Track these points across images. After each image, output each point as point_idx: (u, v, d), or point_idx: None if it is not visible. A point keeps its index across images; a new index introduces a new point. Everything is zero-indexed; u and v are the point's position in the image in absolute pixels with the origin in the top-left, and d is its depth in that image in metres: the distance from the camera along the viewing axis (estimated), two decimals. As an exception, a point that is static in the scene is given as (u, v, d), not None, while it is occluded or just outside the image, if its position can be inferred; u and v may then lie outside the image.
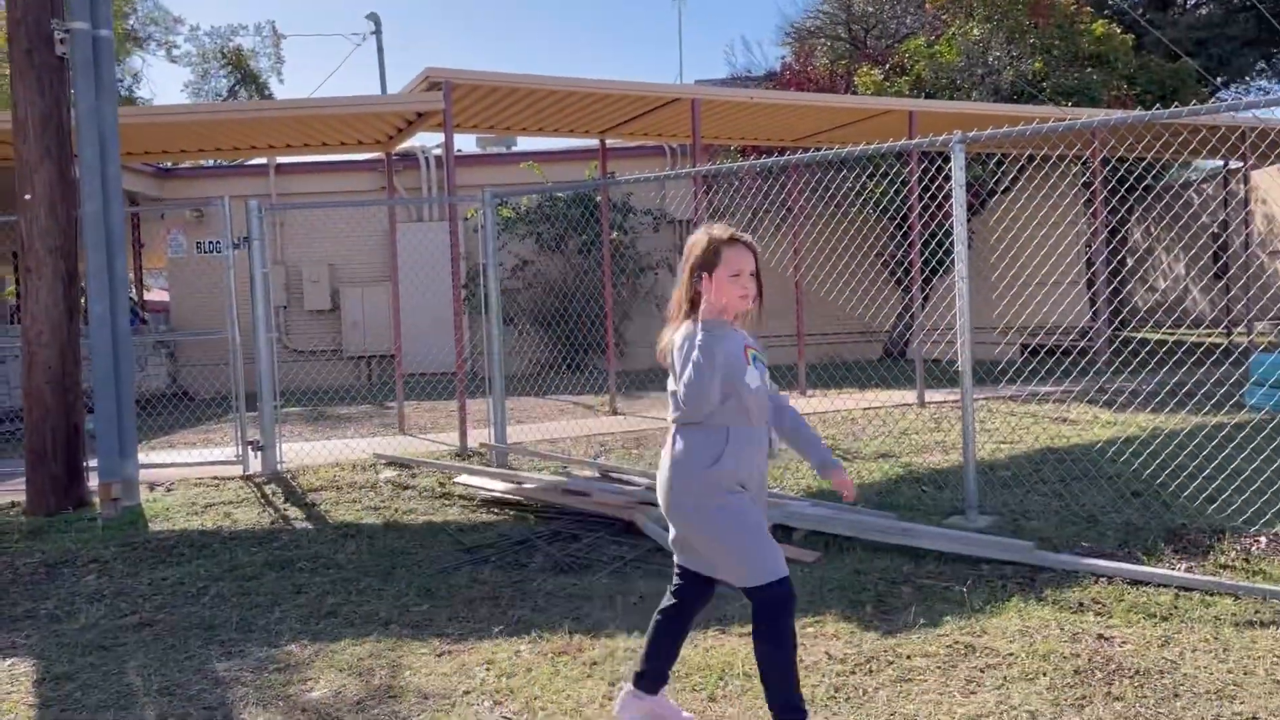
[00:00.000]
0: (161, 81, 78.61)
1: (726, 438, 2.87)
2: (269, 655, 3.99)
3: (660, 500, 2.98)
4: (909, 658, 3.65)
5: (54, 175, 6.79)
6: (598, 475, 6.88)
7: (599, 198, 13.28)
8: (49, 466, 6.88)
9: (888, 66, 17.64)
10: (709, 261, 2.91)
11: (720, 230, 2.98)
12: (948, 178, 5.92)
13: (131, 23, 29.78)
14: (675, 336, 2.92)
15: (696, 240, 2.98)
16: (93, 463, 7.11)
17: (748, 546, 2.85)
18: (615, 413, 11.08)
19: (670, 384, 2.93)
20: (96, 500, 6.86)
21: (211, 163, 19.99)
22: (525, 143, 19.07)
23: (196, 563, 5.41)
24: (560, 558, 5.18)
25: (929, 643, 3.78)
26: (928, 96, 15.82)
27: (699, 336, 2.82)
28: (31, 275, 6.91)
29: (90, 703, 3.61)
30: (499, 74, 9.59)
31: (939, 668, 3.56)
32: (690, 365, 2.78)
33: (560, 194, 16.18)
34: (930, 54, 16.56)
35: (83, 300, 7.51)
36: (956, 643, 3.77)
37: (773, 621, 2.85)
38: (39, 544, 6.06)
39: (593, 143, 13.71)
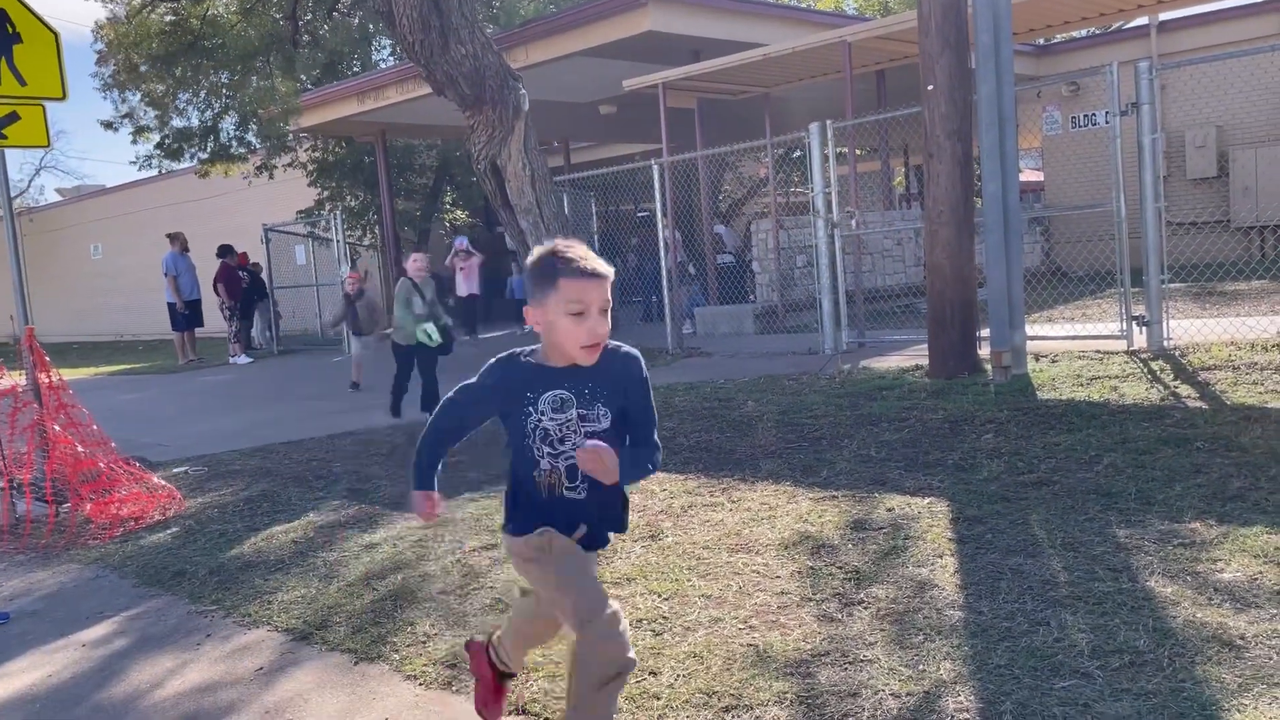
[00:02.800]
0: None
1: None
2: (1171, 529, 3.90)
3: None
4: None
5: (953, 63, 7.30)
6: None
7: None
8: (948, 334, 7.60)
9: None
10: None
11: None
12: None
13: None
14: None
15: None
16: (983, 332, 7.66)
17: None
18: None
19: None
20: (988, 367, 7.39)
21: (1085, 33, 19.46)
22: None
23: (1086, 432, 5.50)
24: None
25: None
26: None
27: None
28: (933, 160, 7.59)
29: (1000, 545, 3.96)
30: None
31: None
32: None
33: None
34: None
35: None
36: None
37: None
38: (941, 403, 6.76)
39: None
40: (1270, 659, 2.81)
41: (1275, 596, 3.21)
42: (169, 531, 5.71)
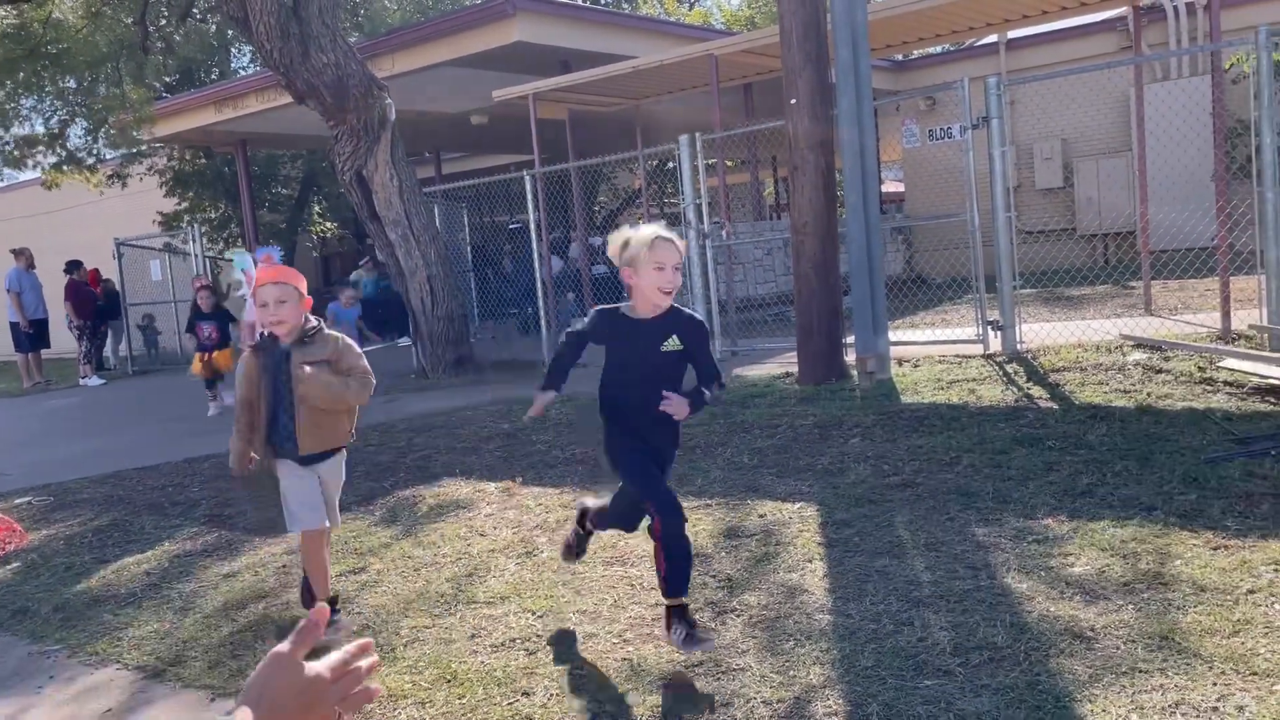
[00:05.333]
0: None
1: None
2: (1025, 526, 4.06)
3: None
4: None
5: (814, 78, 7.48)
6: None
7: None
8: (815, 341, 7.77)
9: None
10: None
11: None
12: None
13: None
14: None
15: None
16: (849, 339, 7.86)
17: None
18: None
19: None
20: (854, 372, 7.59)
21: (940, 50, 20.27)
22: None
23: (947, 434, 5.69)
24: (1365, 458, 4.38)
25: None
26: None
27: None
28: (797, 172, 7.76)
29: (867, 547, 4.06)
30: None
31: None
32: None
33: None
34: None
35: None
36: None
37: None
38: (810, 409, 6.90)
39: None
40: (1118, 649, 2.94)
41: (1122, 588, 3.37)
42: (8, 567, 5.34)
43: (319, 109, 10.35)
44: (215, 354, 9.90)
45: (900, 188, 21.97)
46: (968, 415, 6.09)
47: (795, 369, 8.08)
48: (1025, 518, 4.17)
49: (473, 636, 3.60)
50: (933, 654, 3.03)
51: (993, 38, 17.18)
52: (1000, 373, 7.30)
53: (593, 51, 14.04)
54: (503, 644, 3.50)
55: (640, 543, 4.45)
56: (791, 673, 3.03)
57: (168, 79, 19.91)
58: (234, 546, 5.20)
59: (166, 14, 18.21)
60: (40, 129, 18.74)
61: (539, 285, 11.61)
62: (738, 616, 3.50)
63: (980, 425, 5.79)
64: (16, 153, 18.38)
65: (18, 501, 6.94)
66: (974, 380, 7.12)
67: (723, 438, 6.34)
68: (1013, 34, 16.81)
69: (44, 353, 16.37)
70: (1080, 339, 8.04)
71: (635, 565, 4.16)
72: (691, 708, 2.90)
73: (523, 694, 3.10)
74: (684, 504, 4.93)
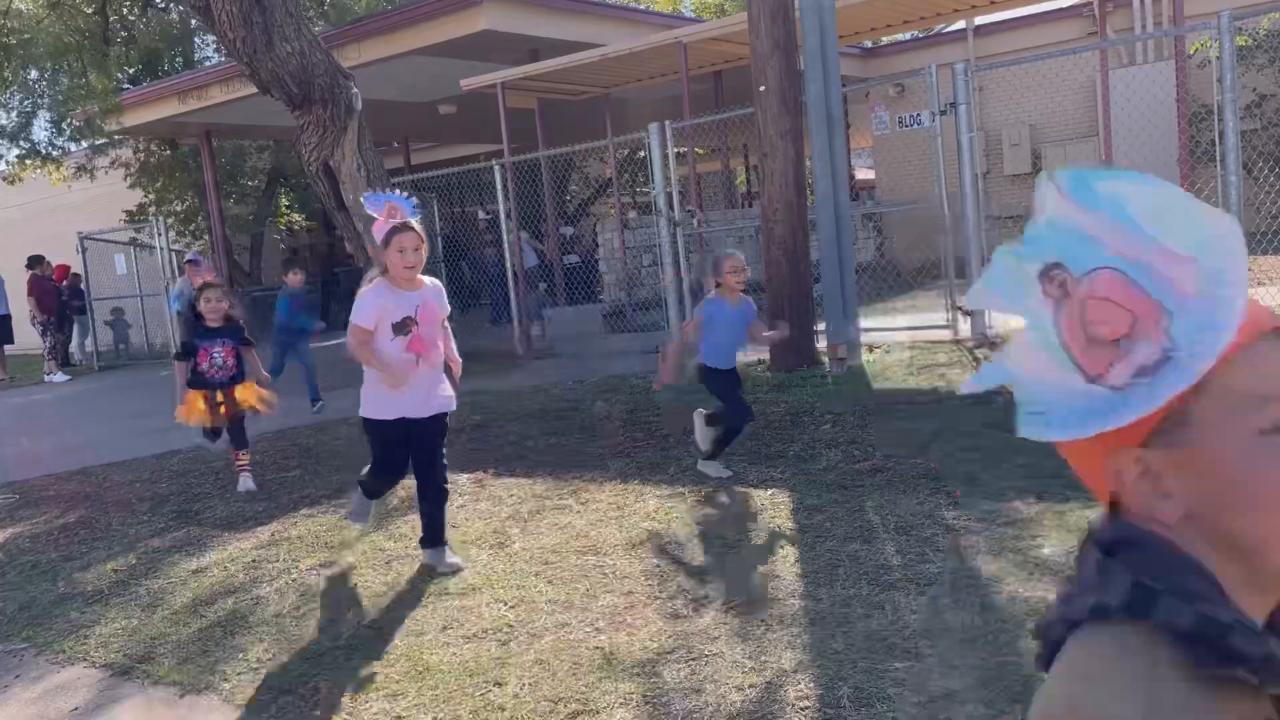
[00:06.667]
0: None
1: None
2: (995, 509, 4.09)
3: None
4: None
5: (783, 65, 7.48)
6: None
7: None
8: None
9: None
10: None
11: None
12: None
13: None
14: None
15: None
16: (820, 326, 7.89)
17: None
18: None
19: None
20: (825, 359, 7.62)
21: (907, 36, 20.35)
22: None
23: (917, 419, 5.72)
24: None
25: None
26: None
27: None
28: (767, 159, 7.76)
29: (838, 532, 4.08)
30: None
31: None
32: None
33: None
34: None
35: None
36: None
37: None
38: (782, 396, 6.93)
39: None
40: (1084, 628, 2.96)
41: (1088, 568, 3.40)
42: (-27, 567, 5.26)
43: (284, 99, 10.22)
44: (237, 392, 6.09)
45: (870, 175, 22.04)
46: (937, 400, 6.13)
47: (767, 356, 8.10)
48: (994, 500, 4.20)
49: (445, 628, 3.59)
50: (903, 637, 3.05)
51: (961, 24, 17.25)
52: (969, 358, 7.35)
53: (561, 39, 13.96)
54: (475, 635, 3.49)
55: (613, 531, 4.45)
56: (763, 658, 3.04)
57: (130, 70, 19.62)
58: (202, 542, 5.15)
59: (128, 3, 17.94)
60: (3, 122, 18.47)
61: (510, 276, 11.56)
62: (710, 604, 3.51)
63: (949, 410, 5.83)
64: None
65: (-18, 500, 6.84)
66: (943, 365, 7.17)
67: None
68: (980, 20, 16.88)
69: (8, 349, 16.13)
70: (1048, 323, 8.09)
71: (609, 554, 4.16)
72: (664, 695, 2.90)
73: (495, 684, 3.09)
74: (658, 492, 4.96)
